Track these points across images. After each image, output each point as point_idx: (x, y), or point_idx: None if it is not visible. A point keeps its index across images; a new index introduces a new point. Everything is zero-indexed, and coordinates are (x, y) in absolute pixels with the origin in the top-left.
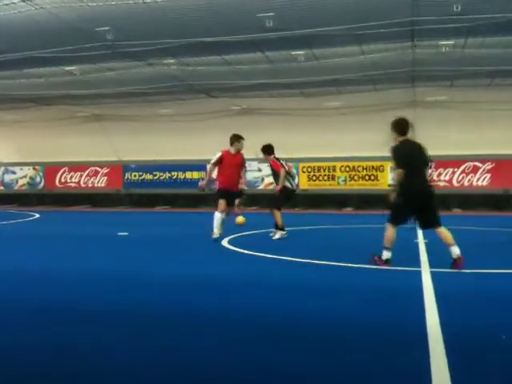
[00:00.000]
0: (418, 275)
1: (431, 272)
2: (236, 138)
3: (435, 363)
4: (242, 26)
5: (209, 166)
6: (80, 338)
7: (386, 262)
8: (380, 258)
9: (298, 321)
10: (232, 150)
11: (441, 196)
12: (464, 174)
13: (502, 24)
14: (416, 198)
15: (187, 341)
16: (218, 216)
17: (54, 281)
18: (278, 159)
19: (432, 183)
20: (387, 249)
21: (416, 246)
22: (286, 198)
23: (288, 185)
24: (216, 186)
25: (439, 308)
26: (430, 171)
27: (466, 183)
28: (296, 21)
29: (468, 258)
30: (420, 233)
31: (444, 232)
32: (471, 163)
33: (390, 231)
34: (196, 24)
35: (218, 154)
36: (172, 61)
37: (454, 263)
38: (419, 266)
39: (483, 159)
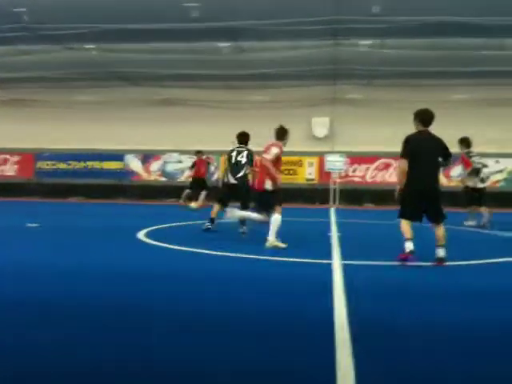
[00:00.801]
0: (328, 267)
1: (342, 264)
2: (287, 132)
3: (340, 353)
4: (167, 15)
5: (269, 163)
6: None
7: (411, 252)
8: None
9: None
10: (283, 145)
11: (355, 191)
12: (377, 171)
13: (419, 27)
14: (417, 193)
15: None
16: (279, 219)
17: None
18: (249, 152)
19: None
20: (407, 240)
21: (329, 239)
22: (224, 192)
23: (224, 179)
24: (269, 185)
25: (347, 299)
26: (443, 169)
27: (378, 179)
28: (222, 12)
29: (384, 250)
30: (334, 226)
31: (440, 231)
32: (384, 160)
33: (403, 224)
34: (119, 9)
35: (277, 150)
36: (93, 46)
37: (437, 262)
38: (331, 259)
39: (396, 156)
